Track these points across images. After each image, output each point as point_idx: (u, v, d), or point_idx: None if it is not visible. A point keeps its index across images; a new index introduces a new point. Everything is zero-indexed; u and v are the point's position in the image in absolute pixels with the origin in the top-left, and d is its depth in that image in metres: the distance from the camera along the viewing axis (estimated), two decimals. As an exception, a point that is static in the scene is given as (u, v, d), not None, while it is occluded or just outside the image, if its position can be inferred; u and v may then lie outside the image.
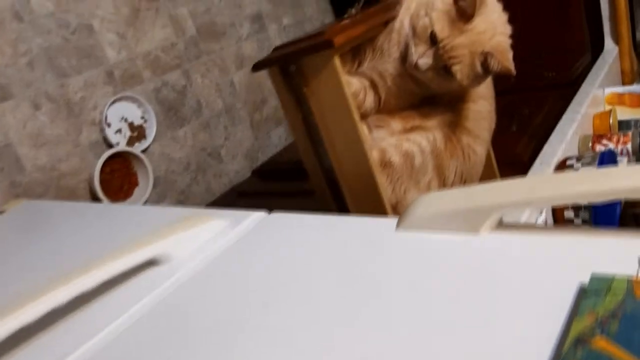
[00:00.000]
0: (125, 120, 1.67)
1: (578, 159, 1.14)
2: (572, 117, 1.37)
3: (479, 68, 0.85)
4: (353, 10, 0.91)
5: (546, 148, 1.26)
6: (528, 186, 0.55)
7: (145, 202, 1.70)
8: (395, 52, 0.92)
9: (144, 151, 1.71)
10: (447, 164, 0.99)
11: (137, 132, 1.70)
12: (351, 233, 0.59)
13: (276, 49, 0.83)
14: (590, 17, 1.86)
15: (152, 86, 1.76)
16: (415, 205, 0.61)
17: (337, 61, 0.77)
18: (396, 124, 0.96)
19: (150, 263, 0.66)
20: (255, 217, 0.82)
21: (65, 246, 0.86)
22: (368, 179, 0.84)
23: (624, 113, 1.56)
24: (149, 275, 0.65)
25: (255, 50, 2.12)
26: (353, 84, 0.92)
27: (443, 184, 1.01)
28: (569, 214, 1.12)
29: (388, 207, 0.86)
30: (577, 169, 1.11)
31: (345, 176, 0.86)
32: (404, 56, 0.91)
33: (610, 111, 1.46)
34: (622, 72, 1.81)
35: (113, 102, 1.62)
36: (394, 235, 0.56)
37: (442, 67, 0.86)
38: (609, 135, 1.31)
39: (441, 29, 0.84)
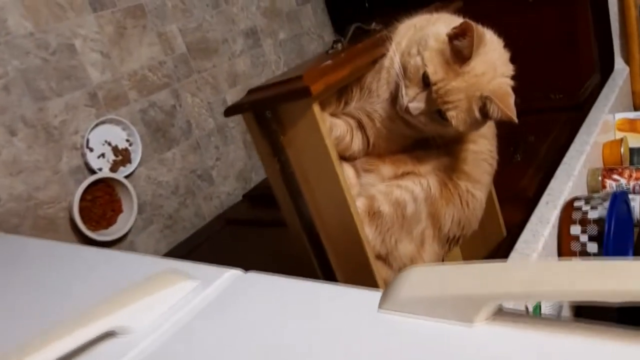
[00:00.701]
0: (109, 143, 1.59)
1: (587, 200, 1.05)
2: (581, 149, 1.28)
3: (477, 114, 0.77)
4: (339, 45, 0.83)
5: (553, 184, 1.16)
6: (530, 276, 0.47)
7: (130, 230, 1.62)
8: (384, 93, 0.84)
9: (129, 176, 1.63)
10: (442, 212, 0.90)
11: (122, 156, 1.62)
12: (330, 306, 0.54)
13: (251, 91, 0.75)
14: (599, 34, 1.77)
15: (139, 107, 1.68)
16: (400, 283, 0.53)
17: (316, 109, 0.69)
18: (386, 169, 0.88)
19: (108, 334, 0.59)
20: (227, 277, 0.76)
21: (20, 296, 0.81)
22: (352, 235, 0.76)
23: (635, 141, 1.47)
24: (106, 349, 0.58)
25: (249, 67, 2.04)
26: (339, 126, 0.84)
27: (439, 232, 0.93)
28: (575, 245, 1.03)
29: (374, 267, 0.77)
30: (585, 212, 1.02)
31: (327, 232, 0.78)
32: (394, 97, 0.82)
33: (621, 140, 1.37)
34: (634, 93, 1.71)
35: (96, 126, 1.54)
36: (375, 315, 0.50)
37: (436, 111, 0.78)
38: (620, 170, 1.22)
39: (434, 70, 0.75)
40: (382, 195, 0.86)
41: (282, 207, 0.80)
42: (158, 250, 1.72)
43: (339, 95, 0.85)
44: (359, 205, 0.86)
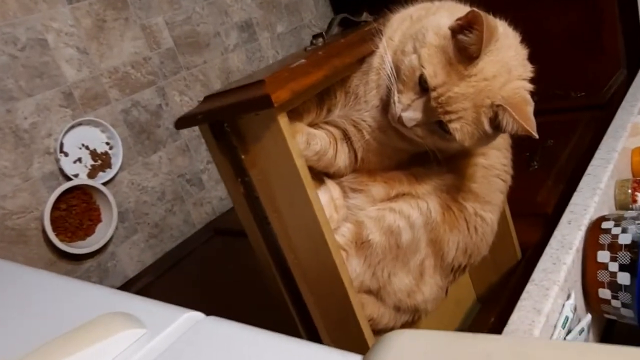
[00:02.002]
0: (87, 147, 1.46)
1: (617, 220, 0.89)
2: (607, 157, 1.12)
3: (486, 126, 0.62)
4: (319, 41, 0.68)
5: (575, 199, 1.01)
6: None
7: (111, 240, 1.50)
8: (373, 99, 0.69)
9: (109, 181, 1.51)
10: (446, 239, 0.76)
11: (101, 161, 1.49)
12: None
13: (207, 98, 0.61)
14: (626, 25, 1.60)
15: (120, 107, 1.55)
16: (385, 349, 0.43)
17: (282, 122, 0.55)
18: (377, 189, 0.73)
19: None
20: (183, 323, 0.67)
21: None
22: (330, 273, 0.62)
23: (668, 145, 1.31)
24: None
25: (244, 63, 1.90)
26: (319, 138, 0.69)
27: (441, 261, 0.78)
28: (604, 275, 0.88)
29: (357, 310, 0.63)
30: (615, 236, 0.87)
31: (300, 268, 0.64)
32: (386, 104, 0.68)
33: (653, 145, 1.21)
34: (665, 91, 1.54)
35: (71, 128, 1.42)
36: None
37: (436, 123, 0.63)
38: (653, 181, 1.07)
39: (434, 72, 0.60)
40: (373, 221, 0.71)
41: (249, 237, 0.67)
42: (142, 260, 1.60)
43: (320, 100, 0.70)
44: (345, 232, 0.72)
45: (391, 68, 0.64)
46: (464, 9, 0.68)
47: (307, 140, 0.67)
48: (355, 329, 0.64)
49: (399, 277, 0.75)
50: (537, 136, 0.59)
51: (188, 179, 1.72)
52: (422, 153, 0.73)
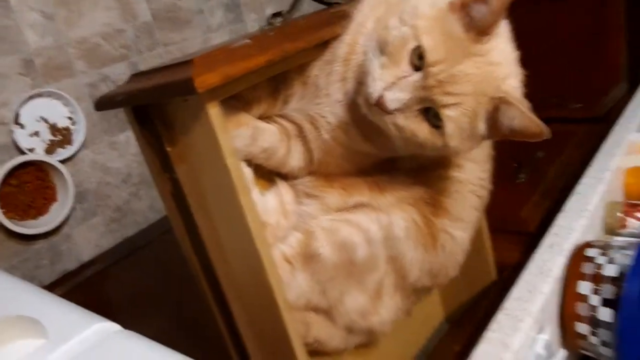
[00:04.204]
0: (46, 120, 1.36)
1: (603, 249, 0.81)
2: (599, 176, 1.03)
3: (481, 121, 0.53)
4: (277, 20, 0.59)
5: (560, 220, 0.92)
6: None
7: (66, 221, 1.40)
8: (336, 92, 0.59)
9: (69, 159, 1.40)
10: (409, 257, 0.67)
11: (61, 136, 1.39)
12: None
13: (134, 77, 0.51)
14: (632, 39, 1.51)
15: (87, 80, 1.44)
16: None
17: (212, 112, 0.45)
18: (334, 197, 0.64)
19: None
20: (91, 335, 0.57)
21: None
22: (264, 292, 0.53)
23: (665, 167, 1.22)
24: None
25: (227, 43, 1.80)
26: (269, 134, 0.60)
27: (402, 280, 0.69)
28: (583, 308, 0.79)
29: (293, 335, 0.54)
30: (599, 266, 0.78)
31: (230, 278, 0.55)
32: (351, 99, 0.58)
33: (649, 167, 1.12)
34: (666, 109, 1.46)
35: (30, 98, 1.31)
36: None
37: (424, 110, 0.53)
38: (646, 207, 0.98)
39: (434, 45, 0.51)
40: (325, 233, 0.62)
41: (179, 242, 0.57)
42: (100, 245, 1.50)
43: (275, 90, 0.61)
44: (293, 242, 0.63)
45: (372, 40, 0.54)
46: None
47: (253, 135, 0.58)
48: (289, 354, 0.55)
49: (353, 297, 0.66)
50: (548, 135, 0.51)
51: (157, 162, 1.62)
52: (388, 160, 0.64)
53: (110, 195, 1.52)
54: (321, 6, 0.70)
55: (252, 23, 1.87)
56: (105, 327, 0.56)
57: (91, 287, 1.30)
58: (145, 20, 1.57)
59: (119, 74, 1.51)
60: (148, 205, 1.61)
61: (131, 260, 1.37)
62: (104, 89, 1.48)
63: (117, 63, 1.51)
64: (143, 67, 1.56)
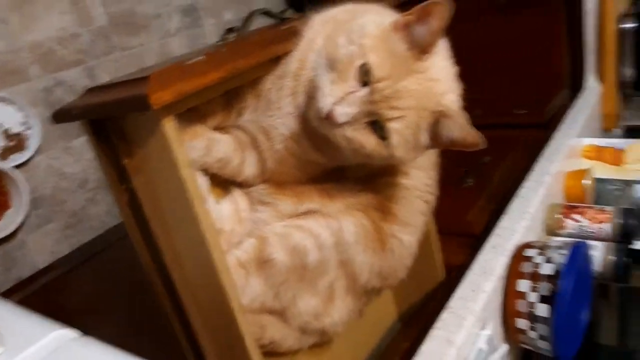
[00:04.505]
0: (-1, 126, 1.34)
1: (541, 249, 0.86)
2: (540, 179, 1.10)
3: (423, 133, 0.57)
4: (231, 36, 0.61)
5: (503, 222, 0.98)
6: None
7: (21, 227, 1.38)
8: (287, 105, 0.63)
9: (23, 164, 1.39)
10: (359, 260, 0.70)
11: (16, 142, 1.37)
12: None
13: (90, 91, 0.53)
14: (573, 47, 1.59)
15: (42, 85, 1.43)
16: None
17: (167, 127, 0.48)
18: (286, 204, 0.67)
19: None
20: (49, 343, 0.57)
21: None
22: (219, 297, 0.55)
23: (602, 171, 1.30)
24: None
25: (185, 49, 1.80)
26: (223, 144, 0.63)
27: (354, 283, 0.73)
28: (522, 305, 0.84)
29: (248, 340, 0.57)
30: (537, 265, 0.84)
31: (190, 291, 0.57)
32: (303, 112, 0.61)
33: (586, 171, 1.19)
34: (604, 116, 1.55)
35: (-19, 104, 1.30)
36: None
37: (371, 123, 0.57)
38: (582, 209, 1.05)
39: (380, 62, 0.54)
40: (278, 238, 0.65)
41: (136, 250, 0.59)
42: (56, 251, 1.49)
43: (228, 102, 0.63)
44: (247, 248, 0.65)
45: (322, 57, 0.58)
46: (391, 13, 0.63)
47: (208, 146, 0.60)
48: (243, 356, 0.57)
49: (305, 299, 0.69)
50: (484, 145, 0.55)
51: (114, 167, 1.62)
52: (337, 168, 0.68)
53: (66, 201, 1.51)
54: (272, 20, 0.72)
55: (210, 28, 1.89)
56: (64, 334, 0.57)
57: (48, 294, 1.28)
58: (101, 25, 1.56)
59: (74, 78, 1.50)
60: (105, 210, 1.60)
61: (88, 266, 1.37)
62: (59, 94, 1.47)
63: (72, 68, 1.50)
64: (99, 71, 1.56)
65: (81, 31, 1.51)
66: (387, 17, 0.60)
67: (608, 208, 1.04)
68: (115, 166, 0.54)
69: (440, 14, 0.54)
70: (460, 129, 0.57)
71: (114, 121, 0.51)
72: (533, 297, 0.83)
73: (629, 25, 1.49)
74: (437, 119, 0.57)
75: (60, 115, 0.53)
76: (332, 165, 0.67)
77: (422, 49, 0.56)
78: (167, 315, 0.60)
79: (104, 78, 1.57)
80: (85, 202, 1.55)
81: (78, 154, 1.52)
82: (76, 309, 1.18)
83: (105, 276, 1.25)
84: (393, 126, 0.56)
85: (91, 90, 0.53)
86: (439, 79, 0.57)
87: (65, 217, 1.51)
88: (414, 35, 0.56)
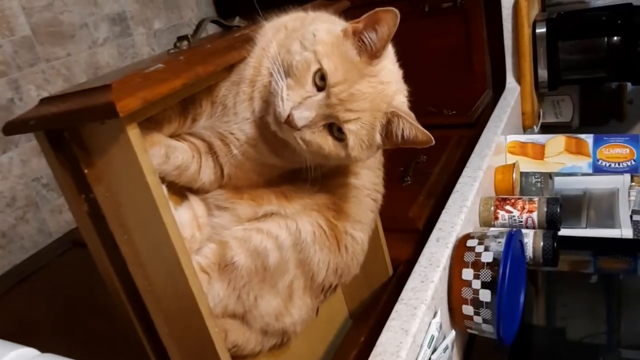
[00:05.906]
0: None
1: (480, 239, 0.92)
2: (473, 175, 1.17)
3: (378, 133, 0.61)
4: (184, 44, 0.62)
5: (444, 216, 1.04)
6: None
7: (-55, 252, 1.30)
8: (244, 111, 0.64)
9: (-56, 185, 1.31)
10: (316, 259, 0.73)
11: None
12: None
13: (43, 102, 0.52)
14: (493, 50, 1.70)
15: (-39, 99, 1.35)
16: None
17: (132, 134, 0.48)
18: (245, 208, 0.69)
19: None
20: None
21: None
22: (187, 303, 0.56)
23: (525, 165, 1.40)
24: None
25: (115, 58, 1.76)
26: (180, 152, 0.63)
27: (311, 282, 0.75)
28: (467, 292, 0.90)
29: (218, 345, 0.58)
30: (478, 254, 0.90)
31: (156, 298, 0.57)
32: (259, 117, 0.63)
33: (513, 165, 1.28)
34: (523, 114, 1.66)
35: None
36: None
37: (327, 126, 0.60)
38: (512, 200, 1.13)
39: (334, 68, 0.57)
40: (238, 242, 0.66)
41: (96, 261, 0.58)
42: (-15, 275, 1.40)
43: (184, 109, 0.64)
44: (208, 253, 0.66)
45: (277, 64, 0.60)
46: (340, 21, 0.66)
47: (166, 154, 0.61)
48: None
49: (266, 300, 0.71)
50: (433, 142, 0.59)
51: (44, 183, 1.55)
52: (293, 171, 0.70)
53: (-7, 221, 1.43)
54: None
55: (140, 37, 1.85)
56: (23, 353, 0.55)
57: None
58: (24, 35, 1.50)
59: (-3, 91, 1.43)
60: (37, 229, 1.53)
61: (24, 287, 1.30)
62: (-18, 108, 1.39)
63: (-5, 80, 1.43)
64: (25, 83, 1.49)
65: (2, 41, 1.44)
66: (336, 24, 0.64)
67: (535, 198, 1.12)
68: (74, 176, 0.53)
69: (389, 22, 0.57)
70: (411, 127, 0.61)
71: (73, 130, 0.51)
72: (476, 284, 0.88)
73: (542, 30, 1.61)
74: (390, 119, 0.61)
75: (14, 127, 0.51)
76: (289, 168, 0.69)
77: (372, 54, 0.59)
78: (130, 326, 0.60)
79: (31, 90, 1.51)
80: (15, 221, 1.48)
81: (5, 171, 1.45)
82: (19, 330, 1.12)
83: (45, 295, 1.20)
84: (349, 128, 0.59)
85: (46, 100, 0.52)
86: (389, 81, 0.61)
87: (-7, 237, 1.43)
88: (364, 41, 0.59)
